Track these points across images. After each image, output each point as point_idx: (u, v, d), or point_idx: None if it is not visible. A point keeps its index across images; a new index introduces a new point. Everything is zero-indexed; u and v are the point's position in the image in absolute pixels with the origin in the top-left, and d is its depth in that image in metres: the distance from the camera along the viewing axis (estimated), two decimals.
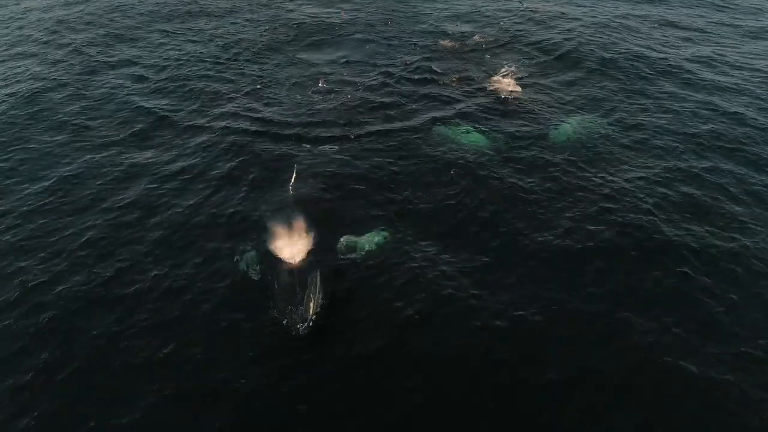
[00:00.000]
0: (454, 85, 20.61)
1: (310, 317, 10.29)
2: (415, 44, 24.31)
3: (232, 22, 27.35)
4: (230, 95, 19.95)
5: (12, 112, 18.89)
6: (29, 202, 14.42)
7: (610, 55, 22.29)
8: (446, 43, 24.41)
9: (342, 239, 12.61)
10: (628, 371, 9.89)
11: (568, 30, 25.29)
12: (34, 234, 13.30)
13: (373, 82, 20.80)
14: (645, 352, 10.22)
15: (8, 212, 14.06)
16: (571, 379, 9.75)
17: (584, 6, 28.97)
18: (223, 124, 17.91)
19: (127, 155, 16.41)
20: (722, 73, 21.10)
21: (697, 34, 25.13)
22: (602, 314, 10.99)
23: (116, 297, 11.43)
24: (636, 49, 23.09)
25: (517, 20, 27.10)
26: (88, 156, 16.39)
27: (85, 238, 13.08)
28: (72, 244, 12.93)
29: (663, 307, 11.10)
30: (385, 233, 12.81)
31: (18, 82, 21.19)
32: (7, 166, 16.07)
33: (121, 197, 14.48)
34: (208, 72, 21.84)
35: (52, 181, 15.24)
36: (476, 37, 24.79)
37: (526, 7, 28.38)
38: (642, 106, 18.70)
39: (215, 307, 11.12)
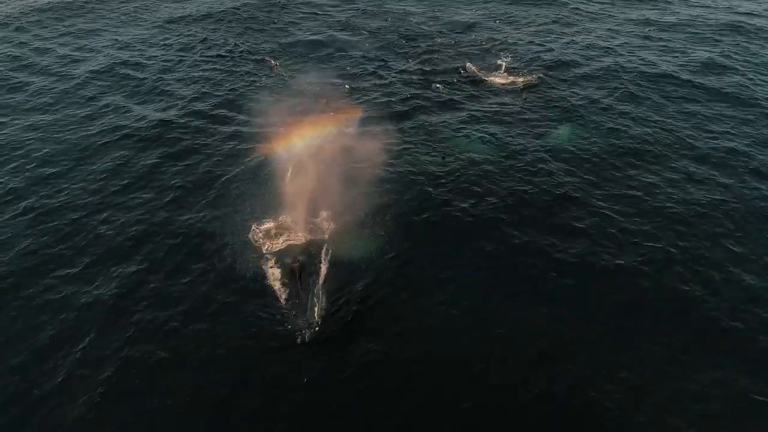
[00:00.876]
0: (454, 82, 20.59)
1: (315, 322, 10.35)
2: (412, 43, 24.29)
3: (232, 23, 27.36)
4: (231, 95, 19.97)
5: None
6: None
7: (610, 58, 22.24)
8: (445, 42, 24.40)
9: (340, 239, 12.66)
10: (630, 373, 9.90)
11: (568, 32, 25.30)
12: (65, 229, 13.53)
13: (371, 82, 20.79)
14: (647, 353, 10.25)
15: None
16: (572, 380, 9.78)
17: (584, 9, 28.92)
18: (226, 127, 17.99)
19: (137, 157, 16.50)
20: (724, 78, 20.71)
21: (697, 37, 24.96)
22: (603, 316, 11.00)
23: (119, 298, 11.47)
24: (635, 52, 23.07)
25: (517, 21, 27.08)
26: (104, 156, 16.53)
27: (103, 233, 13.29)
28: (96, 241, 13.13)
29: (664, 312, 11.13)
30: (376, 235, 12.86)
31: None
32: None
33: (131, 199, 14.65)
34: (208, 72, 21.87)
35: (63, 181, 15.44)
36: (474, 36, 24.78)
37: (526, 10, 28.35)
38: (642, 110, 18.56)
39: (218, 310, 11.14)
